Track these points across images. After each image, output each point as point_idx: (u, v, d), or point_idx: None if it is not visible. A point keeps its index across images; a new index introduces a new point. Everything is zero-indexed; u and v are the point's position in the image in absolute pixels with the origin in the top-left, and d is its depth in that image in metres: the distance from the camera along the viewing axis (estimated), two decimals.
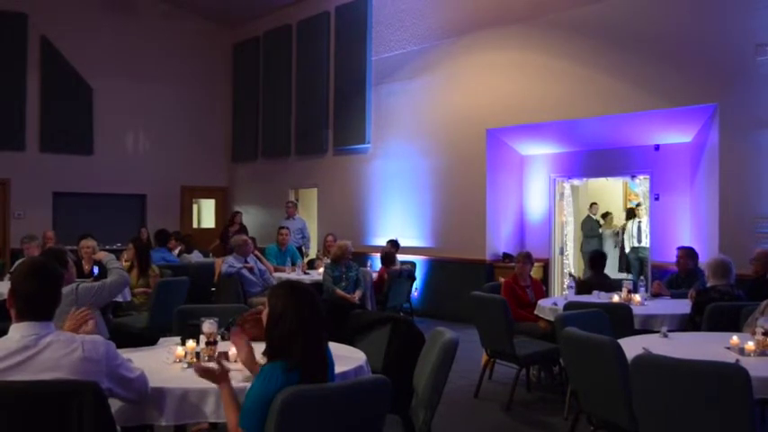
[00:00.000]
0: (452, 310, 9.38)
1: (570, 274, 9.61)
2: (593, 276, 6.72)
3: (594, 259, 6.87)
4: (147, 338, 3.87)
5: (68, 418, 2.37)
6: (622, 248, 11.58)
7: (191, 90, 14.04)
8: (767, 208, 7.10)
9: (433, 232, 10.43)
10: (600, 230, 11.80)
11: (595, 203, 11.57)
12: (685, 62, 7.65)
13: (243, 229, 11.47)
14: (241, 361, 2.97)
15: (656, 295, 6.22)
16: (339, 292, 7.60)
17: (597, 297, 5.99)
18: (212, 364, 2.80)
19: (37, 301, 2.49)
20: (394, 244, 9.75)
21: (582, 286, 6.53)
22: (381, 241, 10.56)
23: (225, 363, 2.86)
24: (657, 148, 8.57)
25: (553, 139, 9.54)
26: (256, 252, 8.54)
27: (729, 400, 2.92)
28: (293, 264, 9.08)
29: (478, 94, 9.80)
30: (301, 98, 12.82)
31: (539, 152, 9.94)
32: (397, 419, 3.38)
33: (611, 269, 10.19)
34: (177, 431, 3.41)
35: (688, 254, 6.43)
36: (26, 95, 12.44)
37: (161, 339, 3.85)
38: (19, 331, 2.45)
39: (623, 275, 10.37)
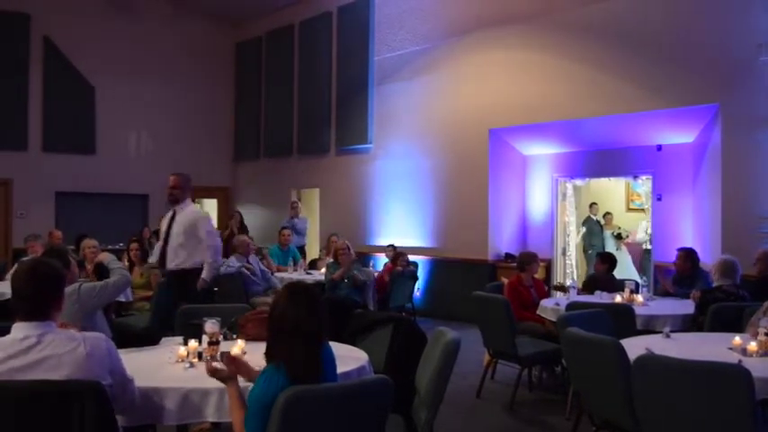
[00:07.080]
0: (454, 311, 9.37)
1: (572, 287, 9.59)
2: (603, 273, 6.83)
3: (612, 259, 7.12)
4: (149, 338, 3.87)
5: (71, 418, 2.37)
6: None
7: (193, 90, 14.02)
8: None
9: (435, 232, 10.42)
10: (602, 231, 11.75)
11: (595, 203, 11.48)
12: (687, 62, 7.64)
13: (243, 229, 11.48)
14: (248, 380, 2.94)
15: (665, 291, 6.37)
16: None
17: (599, 297, 6.00)
18: (218, 364, 2.81)
19: (35, 301, 2.49)
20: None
21: (590, 281, 6.74)
22: (383, 241, 10.56)
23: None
24: (660, 148, 8.56)
25: (556, 140, 9.53)
26: (264, 251, 8.57)
27: (732, 401, 2.92)
28: (295, 263, 9.10)
29: (481, 94, 9.79)
30: (303, 98, 12.82)
31: (541, 152, 9.93)
32: (399, 419, 3.38)
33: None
34: (179, 431, 3.41)
35: (684, 256, 6.43)
36: (28, 95, 12.43)
37: (163, 339, 3.86)
38: (21, 331, 2.46)
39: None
